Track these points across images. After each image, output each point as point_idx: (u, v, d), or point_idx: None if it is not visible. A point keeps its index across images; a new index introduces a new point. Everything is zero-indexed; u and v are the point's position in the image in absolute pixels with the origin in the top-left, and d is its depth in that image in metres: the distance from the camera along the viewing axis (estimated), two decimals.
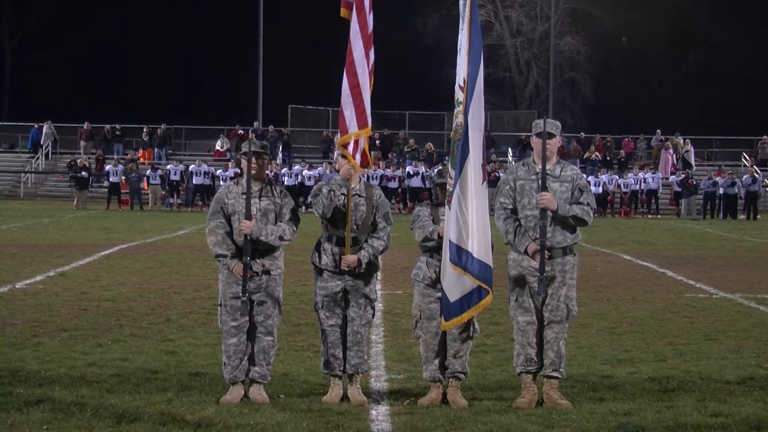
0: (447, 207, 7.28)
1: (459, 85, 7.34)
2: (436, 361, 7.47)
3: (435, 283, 7.49)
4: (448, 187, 7.33)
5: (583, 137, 42.07)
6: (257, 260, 7.41)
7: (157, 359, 8.68)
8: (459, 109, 7.32)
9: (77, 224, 26.24)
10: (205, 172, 36.33)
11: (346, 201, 7.53)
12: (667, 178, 39.00)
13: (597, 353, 9.25)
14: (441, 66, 48.70)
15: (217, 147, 42.75)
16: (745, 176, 36.34)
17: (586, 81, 55.37)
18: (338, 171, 7.74)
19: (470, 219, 7.18)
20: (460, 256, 7.16)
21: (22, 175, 42.02)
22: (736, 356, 9.16)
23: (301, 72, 52.63)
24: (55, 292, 12.78)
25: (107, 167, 36.93)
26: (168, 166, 37.06)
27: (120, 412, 6.77)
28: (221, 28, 55.59)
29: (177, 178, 36.37)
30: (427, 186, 34.74)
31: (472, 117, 7.24)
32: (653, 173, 36.96)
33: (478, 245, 7.18)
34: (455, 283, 7.20)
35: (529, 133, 7.60)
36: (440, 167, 9.41)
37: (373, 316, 7.74)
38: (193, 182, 36.33)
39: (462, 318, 7.26)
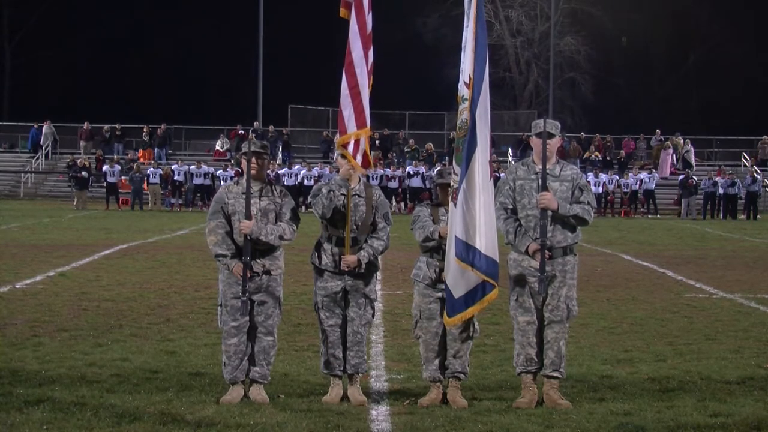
0: (452, 203, 7.27)
1: (464, 82, 7.34)
2: (436, 361, 7.47)
3: (435, 283, 7.48)
4: (453, 183, 7.32)
5: (583, 137, 42.09)
6: (257, 260, 7.40)
7: (157, 359, 8.68)
8: (464, 105, 7.32)
9: (77, 224, 26.24)
10: (205, 173, 36.36)
11: (345, 201, 7.53)
12: (665, 178, 39.02)
13: (597, 353, 9.25)
14: (441, 66, 48.73)
15: (217, 147, 42.77)
16: (746, 176, 36.36)
17: (586, 81, 55.37)
18: (338, 171, 7.74)
19: (477, 215, 7.18)
20: (468, 252, 7.15)
21: (22, 175, 42.02)
22: (736, 356, 9.15)
23: (301, 72, 52.63)
24: (55, 292, 12.78)
25: (104, 167, 36.92)
26: (173, 166, 37.06)
27: (120, 412, 6.77)
28: (221, 28, 55.62)
29: (181, 178, 36.39)
30: (427, 186, 34.77)
31: (479, 113, 7.24)
32: (649, 173, 36.99)
33: (486, 241, 7.17)
34: (460, 279, 7.20)
35: (530, 133, 7.60)
36: (440, 167, 9.41)
37: (373, 316, 7.74)
38: (193, 182, 36.37)
39: (467, 314, 7.25)
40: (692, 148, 40.94)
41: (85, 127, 42.97)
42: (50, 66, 56.78)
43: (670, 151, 40.70)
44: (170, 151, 42.80)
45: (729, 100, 53.92)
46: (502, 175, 26.30)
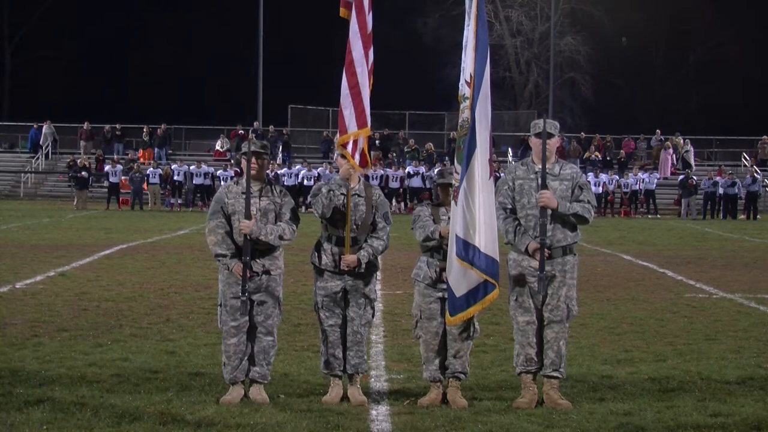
0: (453, 202, 7.28)
1: (465, 81, 7.34)
2: (437, 361, 7.47)
3: (435, 283, 7.49)
4: (454, 182, 7.33)
5: (583, 137, 42.08)
6: (257, 260, 7.40)
7: (157, 359, 8.68)
8: (465, 104, 7.32)
9: (77, 224, 26.24)
10: (205, 173, 36.37)
11: (345, 201, 7.54)
12: (666, 178, 39.02)
13: (597, 353, 9.25)
14: (441, 66, 48.75)
15: (217, 147, 42.78)
16: (746, 176, 36.35)
17: (586, 81, 55.36)
18: (338, 171, 7.74)
19: (477, 214, 7.18)
20: (467, 250, 7.15)
21: (22, 175, 42.02)
22: (736, 356, 9.16)
23: (301, 72, 52.66)
24: (55, 292, 12.77)
25: (106, 167, 36.94)
26: (173, 167, 37.06)
27: (120, 412, 6.77)
28: (221, 29, 55.63)
29: (180, 178, 36.42)
30: (427, 186, 34.79)
31: (479, 112, 7.25)
32: (650, 173, 37.00)
33: (485, 240, 7.17)
34: (461, 278, 7.20)
35: (529, 134, 7.60)
36: (441, 167, 9.41)
37: (373, 316, 7.74)
38: (193, 182, 36.38)
39: (468, 313, 7.25)
40: (692, 148, 40.94)
41: (85, 127, 42.97)
42: (50, 66, 56.79)
43: (670, 151, 40.70)
44: (170, 151, 42.80)
45: (729, 100, 53.91)
46: (502, 174, 26.27)
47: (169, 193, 36.77)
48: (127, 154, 41.60)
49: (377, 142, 38.94)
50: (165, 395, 7.32)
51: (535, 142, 7.48)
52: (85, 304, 11.77)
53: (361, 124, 7.66)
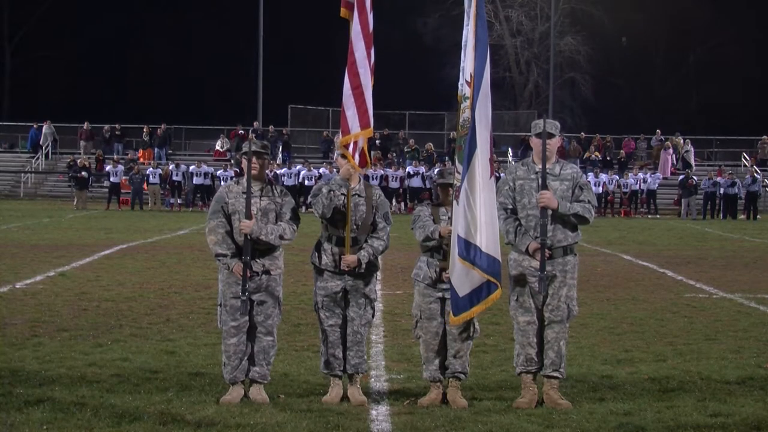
0: (455, 202, 7.27)
1: (465, 80, 7.34)
2: (437, 361, 7.47)
3: (435, 283, 7.49)
4: (455, 182, 7.33)
5: (583, 137, 42.08)
6: (257, 260, 7.40)
7: (157, 359, 8.68)
8: (466, 104, 7.32)
9: (77, 224, 26.24)
10: (205, 173, 36.39)
11: (345, 201, 7.54)
12: (666, 178, 39.03)
13: (597, 353, 9.25)
14: (441, 66, 48.71)
15: (217, 147, 42.78)
16: (746, 176, 36.36)
17: (586, 81, 55.37)
18: (338, 171, 7.74)
19: (478, 213, 7.18)
20: (468, 250, 7.15)
21: (22, 175, 42.02)
22: (736, 356, 9.16)
23: (301, 72, 52.66)
24: (55, 292, 12.77)
25: (107, 167, 36.95)
26: (170, 167, 37.08)
27: (120, 412, 6.77)
28: (221, 29, 55.64)
29: (179, 178, 36.44)
30: (427, 186, 34.79)
31: (479, 112, 7.25)
32: (652, 173, 37.01)
33: (486, 239, 7.17)
34: (464, 278, 7.19)
35: (530, 134, 7.60)
36: (441, 167, 9.40)
37: (373, 316, 7.74)
38: (193, 182, 36.39)
39: (472, 312, 7.25)
40: (692, 148, 40.96)
41: (85, 127, 42.97)
42: (50, 66, 56.79)
43: (670, 151, 40.72)
44: (170, 151, 42.81)
45: (729, 100, 53.92)
46: (502, 175, 26.21)
47: (169, 193, 36.81)
48: (127, 154, 41.60)
49: (377, 142, 38.93)
50: (165, 395, 7.32)
51: (535, 142, 7.48)
52: (85, 304, 11.77)
53: (363, 125, 7.65)
